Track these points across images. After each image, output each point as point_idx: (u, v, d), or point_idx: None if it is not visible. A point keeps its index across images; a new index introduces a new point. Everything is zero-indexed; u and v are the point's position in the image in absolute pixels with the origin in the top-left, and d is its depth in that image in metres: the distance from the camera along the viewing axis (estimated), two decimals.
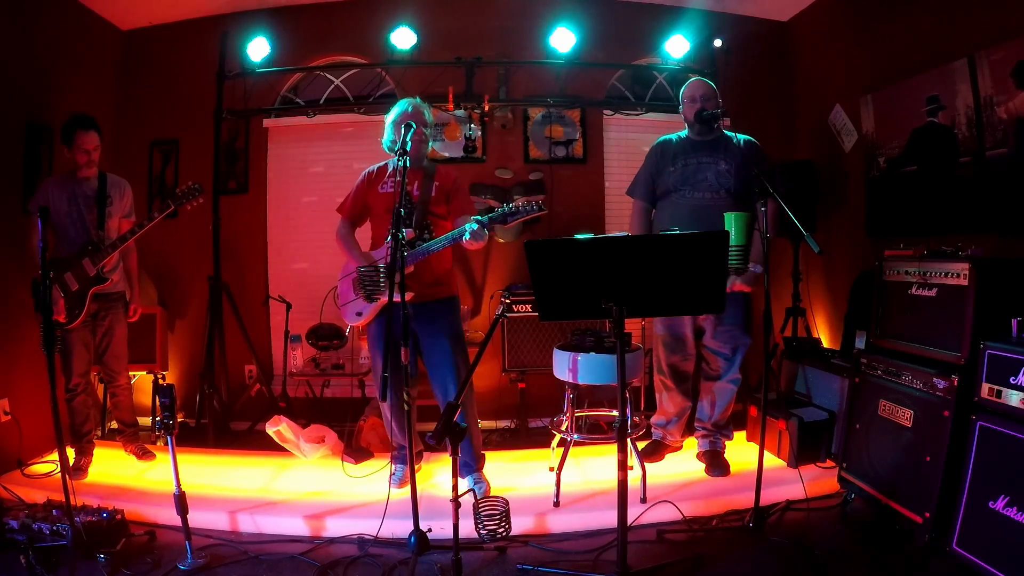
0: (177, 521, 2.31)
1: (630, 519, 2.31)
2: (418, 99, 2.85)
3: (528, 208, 2.45)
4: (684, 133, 3.10)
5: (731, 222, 2.66)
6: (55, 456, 3.00)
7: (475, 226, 2.45)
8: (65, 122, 3.10)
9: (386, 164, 2.90)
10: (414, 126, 2.52)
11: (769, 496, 2.64)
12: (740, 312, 2.96)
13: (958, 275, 2.31)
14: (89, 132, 3.08)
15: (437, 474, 3.08)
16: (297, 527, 2.59)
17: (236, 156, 4.25)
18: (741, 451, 3.20)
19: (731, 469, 2.98)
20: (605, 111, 4.29)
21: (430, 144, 2.93)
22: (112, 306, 3.24)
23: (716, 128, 3.01)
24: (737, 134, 3.03)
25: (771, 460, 3.06)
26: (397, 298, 2.28)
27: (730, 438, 3.15)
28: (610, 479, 2.36)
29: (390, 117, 2.82)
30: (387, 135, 2.82)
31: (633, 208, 3.16)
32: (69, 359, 3.11)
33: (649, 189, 3.09)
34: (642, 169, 3.15)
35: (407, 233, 2.58)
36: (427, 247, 2.61)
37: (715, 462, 3.00)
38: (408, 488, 2.23)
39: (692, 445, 3.29)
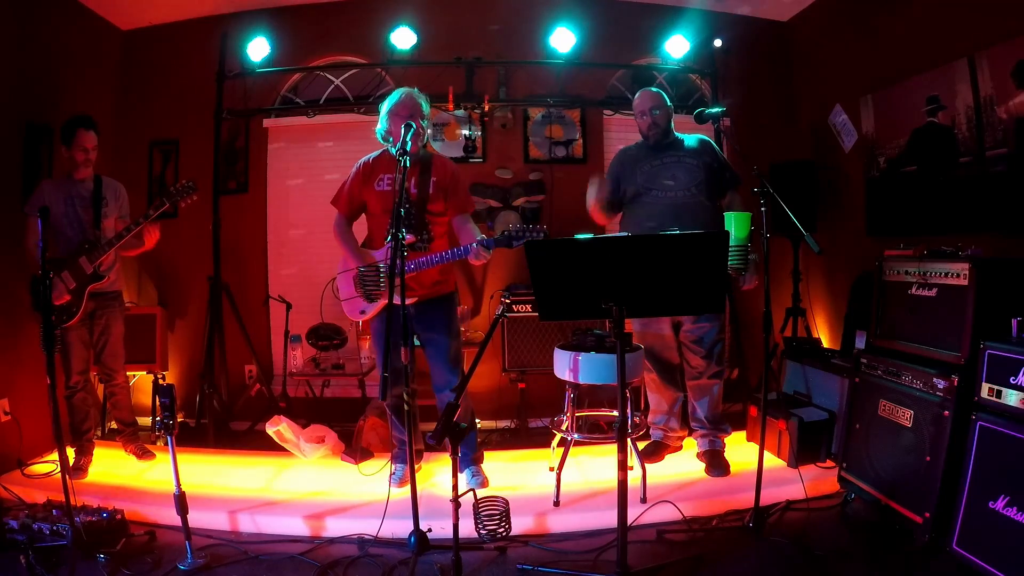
0: (177, 521, 2.31)
1: (630, 519, 2.30)
2: (415, 89, 2.80)
3: (533, 233, 2.51)
4: (642, 141, 3.15)
5: (731, 222, 2.67)
6: (55, 456, 3.00)
7: (480, 247, 2.53)
8: (66, 121, 3.11)
9: (381, 154, 2.85)
10: (414, 126, 2.50)
11: (769, 496, 2.64)
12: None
13: (958, 275, 2.31)
14: (89, 131, 3.11)
15: (437, 474, 3.08)
16: (297, 527, 2.59)
17: (236, 156, 4.24)
18: (741, 451, 3.20)
19: (731, 469, 2.98)
20: (605, 111, 4.29)
21: (426, 138, 2.87)
22: (109, 304, 3.25)
23: (668, 134, 3.07)
24: (687, 136, 3.12)
25: (771, 460, 3.05)
26: (397, 300, 2.28)
27: (727, 433, 3.15)
28: (610, 479, 2.36)
29: (385, 107, 2.76)
30: (381, 124, 2.76)
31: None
32: (68, 357, 3.12)
33: (612, 195, 3.11)
34: (609, 174, 3.20)
35: (406, 237, 2.58)
36: (429, 261, 2.62)
37: (715, 462, 3.00)
38: (408, 488, 2.23)
39: (692, 445, 3.29)
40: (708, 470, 2.99)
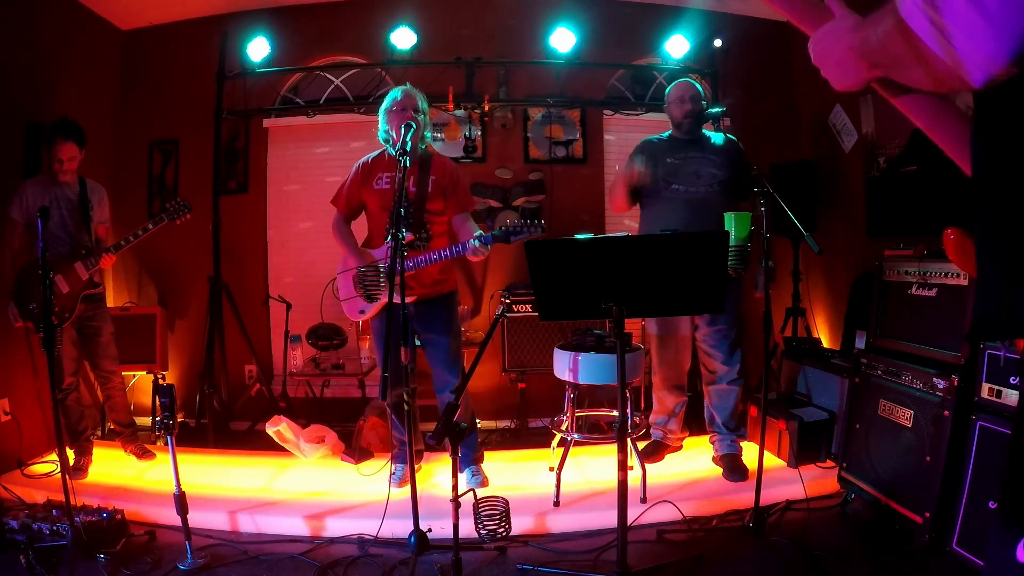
0: (177, 521, 2.31)
1: (630, 519, 2.30)
2: (408, 85, 2.80)
3: (532, 228, 2.52)
4: (667, 134, 3.12)
5: (731, 222, 2.67)
6: (55, 456, 3.00)
7: (477, 243, 2.52)
8: (53, 123, 3.07)
9: (381, 154, 2.86)
10: (414, 125, 2.51)
11: (769, 496, 2.64)
12: (732, 311, 2.96)
13: (958, 275, 2.32)
14: (67, 142, 3.03)
15: (437, 474, 3.08)
16: (297, 527, 2.59)
17: (236, 156, 4.24)
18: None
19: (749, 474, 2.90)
20: (605, 111, 4.29)
21: (426, 134, 2.85)
22: (98, 306, 3.24)
23: (700, 127, 3.04)
24: (714, 133, 3.07)
25: (771, 460, 3.05)
26: (396, 299, 2.28)
27: (744, 437, 3.12)
28: (610, 479, 2.35)
29: (383, 106, 2.78)
30: (381, 126, 2.78)
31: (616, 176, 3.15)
32: (59, 360, 3.07)
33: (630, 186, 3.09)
34: (627, 164, 3.14)
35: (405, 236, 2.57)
36: (427, 259, 2.62)
37: (733, 466, 2.95)
38: (408, 488, 2.23)
39: (693, 445, 3.29)
40: (726, 474, 2.94)
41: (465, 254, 2.56)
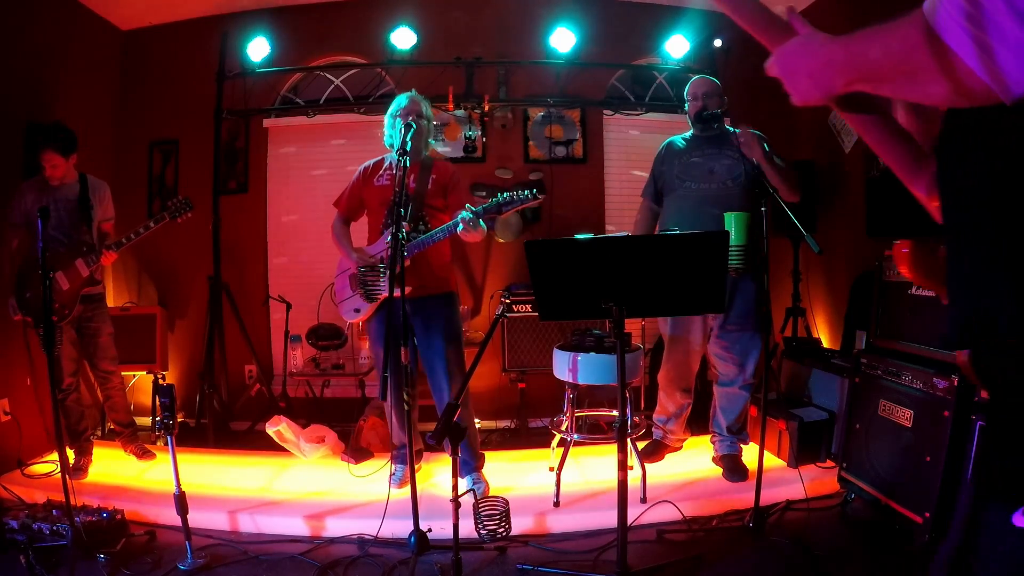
0: (177, 521, 2.31)
1: (630, 519, 2.31)
2: (414, 91, 2.84)
3: (522, 197, 2.44)
4: (690, 132, 3.11)
5: (731, 222, 2.67)
6: (55, 456, 3.00)
7: (468, 215, 2.46)
8: (46, 127, 3.05)
9: (383, 158, 2.89)
10: (414, 126, 2.52)
11: (769, 496, 2.64)
12: (749, 314, 2.91)
13: None
14: (47, 151, 2.99)
15: (437, 474, 3.08)
16: (297, 527, 2.59)
17: (236, 156, 4.24)
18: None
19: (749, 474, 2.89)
20: (605, 111, 4.29)
21: (430, 141, 2.91)
22: (97, 307, 3.24)
23: (719, 125, 3.01)
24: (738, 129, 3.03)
25: (771, 460, 3.05)
26: (396, 294, 2.28)
27: (746, 442, 3.09)
28: (610, 479, 2.36)
29: (389, 112, 2.81)
30: (387, 131, 2.81)
31: (640, 206, 3.20)
32: (58, 361, 3.06)
33: (653, 188, 3.13)
34: (650, 171, 3.18)
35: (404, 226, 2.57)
36: (423, 239, 2.61)
37: (733, 467, 2.93)
38: (408, 488, 2.23)
39: (693, 445, 3.29)
40: (726, 474, 2.92)
41: (458, 232, 2.51)
